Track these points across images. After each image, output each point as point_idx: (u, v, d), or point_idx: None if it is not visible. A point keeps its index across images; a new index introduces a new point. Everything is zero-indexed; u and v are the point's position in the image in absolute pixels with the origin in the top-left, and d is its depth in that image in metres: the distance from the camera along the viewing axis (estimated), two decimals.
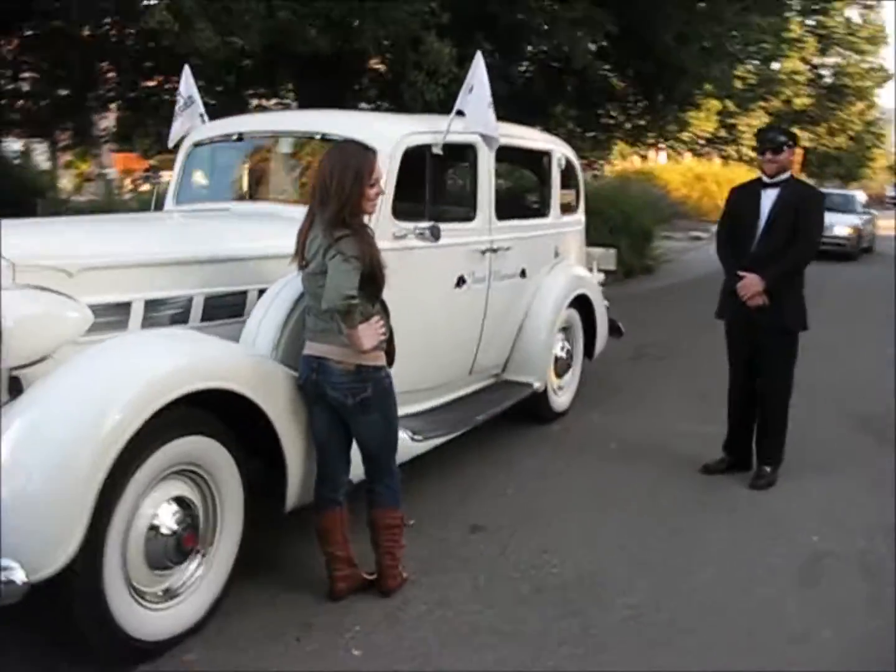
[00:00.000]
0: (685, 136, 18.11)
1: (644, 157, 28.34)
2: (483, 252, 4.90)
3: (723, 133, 29.11)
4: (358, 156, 3.20)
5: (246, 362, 3.22)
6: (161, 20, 5.81)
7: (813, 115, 35.46)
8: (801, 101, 28.66)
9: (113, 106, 12.50)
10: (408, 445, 4.15)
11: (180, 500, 3.08)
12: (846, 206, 18.97)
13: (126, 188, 14.29)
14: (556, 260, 5.84)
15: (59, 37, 10.73)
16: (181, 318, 3.52)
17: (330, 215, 3.13)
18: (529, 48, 8.47)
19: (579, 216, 6.35)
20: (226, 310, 3.67)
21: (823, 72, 37.66)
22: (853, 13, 37.28)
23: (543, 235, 5.67)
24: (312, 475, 3.42)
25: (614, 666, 3.05)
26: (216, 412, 3.13)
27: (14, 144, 15.61)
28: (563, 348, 5.94)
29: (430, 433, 4.34)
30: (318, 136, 4.43)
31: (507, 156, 5.51)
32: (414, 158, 4.42)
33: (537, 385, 5.50)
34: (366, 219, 3.34)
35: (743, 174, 20.70)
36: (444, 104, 7.26)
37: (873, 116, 41.17)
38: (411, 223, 4.29)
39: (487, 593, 3.53)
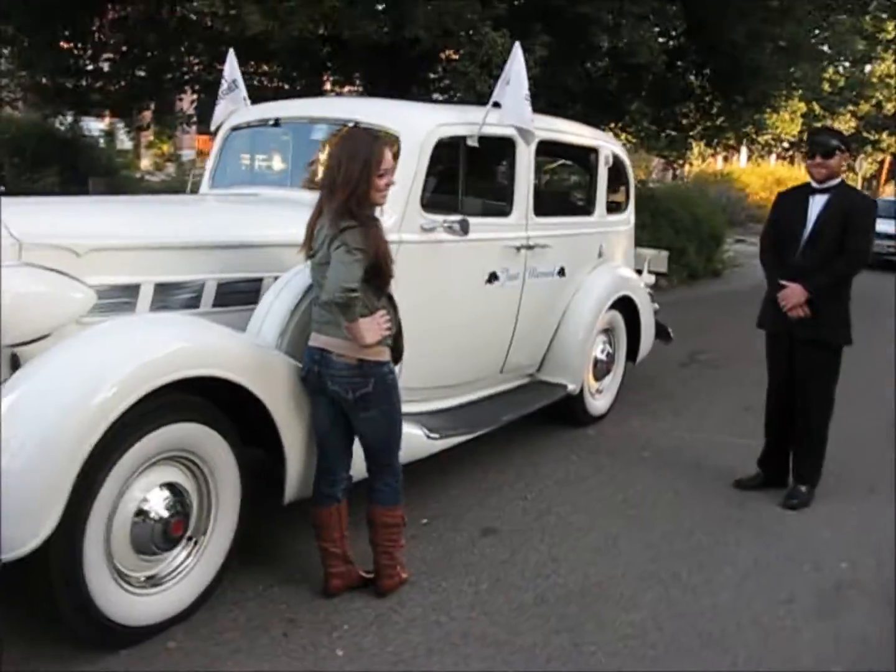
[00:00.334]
0: (765, 138, 17.51)
1: (727, 159, 27.71)
2: (518, 248, 4.78)
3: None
4: (367, 144, 3.11)
5: (245, 351, 3.16)
6: (208, 3, 5.82)
7: None
8: (892, 106, 27.49)
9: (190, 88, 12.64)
10: (423, 443, 4.08)
11: (173, 487, 3.05)
12: None
13: (199, 168, 14.54)
14: (600, 260, 5.67)
15: (139, 18, 10.96)
16: (192, 304, 3.49)
17: (336, 205, 3.06)
18: (599, 44, 8.23)
19: (628, 216, 6.15)
20: (240, 296, 3.63)
21: None
22: None
23: (586, 234, 5.51)
24: (313, 469, 3.36)
25: None
26: (217, 400, 3.11)
27: (99, 124, 16.06)
28: (603, 351, 5.78)
29: (447, 432, 4.24)
30: (351, 124, 4.36)
31: (551, 151, 5.37)
32: (447, 150, 4.34)
33: (571, 387, 5.35)
34: (380, 210, 3.27)
35: None
36: None
37: None
38: (440, 216, 4.20)
39: (487, 600, 3.43)
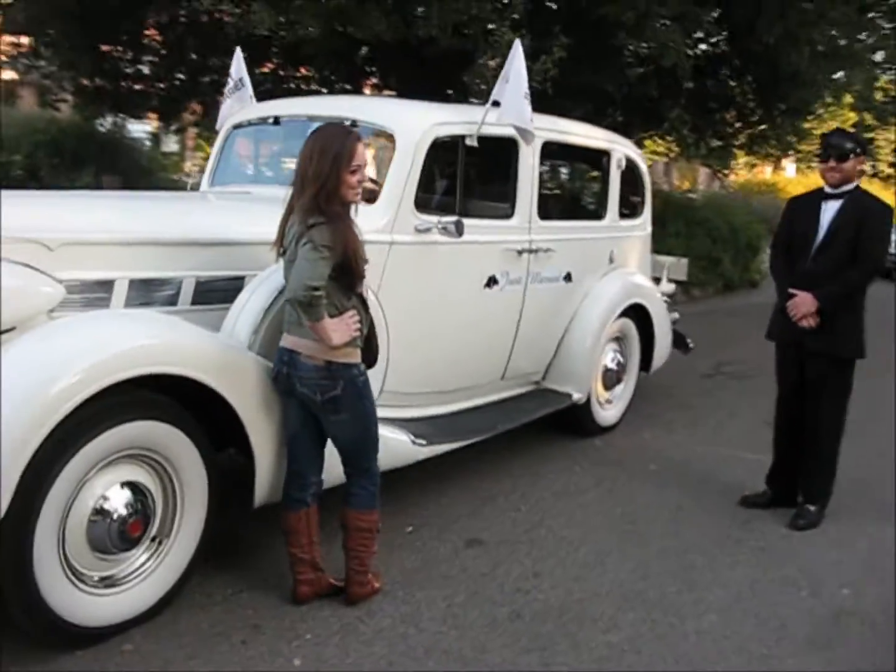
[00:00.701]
0: (811, 148, 17.04)
1: (775, 168, 27.17)
2: (520, 252, 4.66)
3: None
4: (338, 139, 3.02)
5: (213, 350, 3.09)
6: (214, 2, 5.80)
7: None
8: None
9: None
10: (408, 449, 3.97)
11: (135, 487, 2.99)
12: None
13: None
14: (611, 266, 5.52)
15: (177, 22, 11.06)
16: (170, 301, 3.44)
17: (305, 201, 2.98)
18: (623, 45, 8.05)
19: (643, 221, 5.98)
20: (220, 294, 3.56)
21: None
22: None
23: (595, 239, 5.37)
24: (283, 472, 3.28)
25: None
26: (188, 400, 3.04)
27: (146, 126, 16.27)
28: (613, 359, 5.62)
29: (435, 438, 4.13)
30: (348, 122, 4.28)
31: (558, 153, 5.24)
32: (445, 149, 4.24)
33: (577, 396, 5.20)
34: (354, 209, 3.17)
35: (875, 191, 19.47)
36: None
37: None
38: (435, 217, 4.10)
39: (459, 614, 3.31)
